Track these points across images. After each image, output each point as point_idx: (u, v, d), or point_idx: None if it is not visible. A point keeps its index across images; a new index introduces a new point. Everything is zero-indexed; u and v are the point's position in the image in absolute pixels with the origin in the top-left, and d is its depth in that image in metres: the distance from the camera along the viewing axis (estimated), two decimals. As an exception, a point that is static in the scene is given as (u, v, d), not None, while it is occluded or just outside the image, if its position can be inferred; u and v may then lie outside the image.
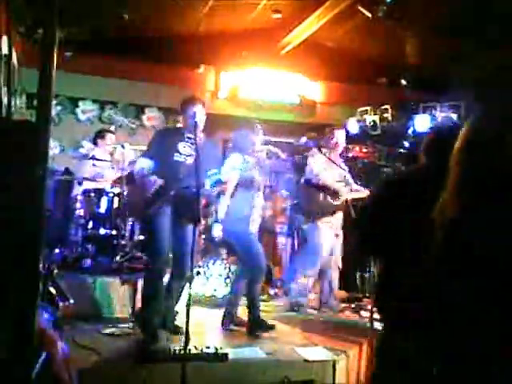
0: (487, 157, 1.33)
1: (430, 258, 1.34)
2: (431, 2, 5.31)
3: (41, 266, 2.71)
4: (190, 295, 2.90)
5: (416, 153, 6.44)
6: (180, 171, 3.68)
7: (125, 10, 5.61)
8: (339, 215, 4.86)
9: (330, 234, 4.79)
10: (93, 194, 4.94)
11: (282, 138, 7.49)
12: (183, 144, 3.77)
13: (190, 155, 3.74)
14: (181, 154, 3.74)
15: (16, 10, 4.60)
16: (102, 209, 4.89)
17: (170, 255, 3.81)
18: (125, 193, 4.86)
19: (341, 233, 4.87)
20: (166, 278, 3.77)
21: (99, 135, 5.55)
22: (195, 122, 3.50)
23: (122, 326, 3.85)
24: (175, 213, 3.64)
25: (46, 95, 2.19)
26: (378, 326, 3.85)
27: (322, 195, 4.80)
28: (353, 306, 5.05)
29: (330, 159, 4.86)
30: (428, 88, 6.68)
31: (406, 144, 6.36)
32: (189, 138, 3.77)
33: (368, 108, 6.53)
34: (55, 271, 3.88)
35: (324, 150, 4.92)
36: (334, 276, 4.93)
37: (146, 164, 3.71)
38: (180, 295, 3.90)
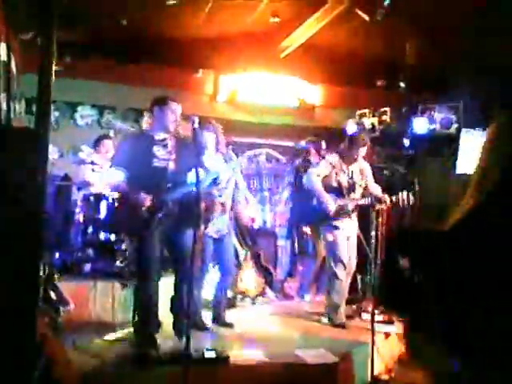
0: None
1: None
2: (429, 3, 5.32)
3: (41, 271, 2.71)
4: (190, 299, 2.90)
5: (414, 155, 6.41)
6: (166, 178, 3.55)
7: (123, 15, 5.62)
8: (349, 220, 4.59)
9: (343, 239, 4.54)
10: (92, 199, 4.94)
11: (281, 141, 7.51)
12: (157, 148, 3.59)
13: (167, 159, 3.59)
14: (159, 158, 3.57)
15: (14, 16, 4.61)
16: (102, 214, 4.89)
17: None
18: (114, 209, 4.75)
19: (354, 235, 4.58)
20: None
21: (96, 142, 5.57)
22: (172, 120, 3.49)
23: (123, 330, 3.85)
24: (173, 219, 3.53)
25: (45, 102, 2.20)
26: (378, 327, 3.86)
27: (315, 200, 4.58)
28: (354, 307, 5.04)
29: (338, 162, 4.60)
30: (426, 89, 6.69)
31: (405, 146, 6.38)
32: (160, 140, 3.62)
33: (366, 110, 6.54)
34: (55, 276, 3.89)
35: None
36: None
37: (120, 176, 3.53)
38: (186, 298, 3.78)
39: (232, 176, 4.30)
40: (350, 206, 4.56)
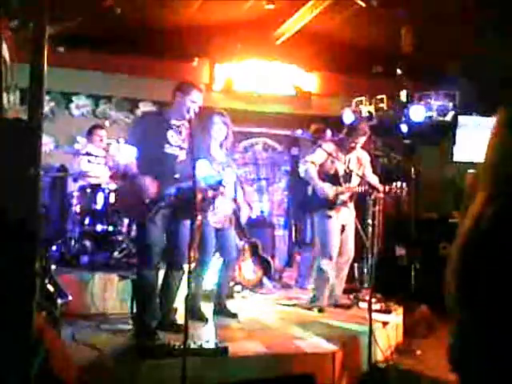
0: None
1: None
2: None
3: (38, 263, 2.69)
4: (188, 290, 2.90)
5: (411, 142, 6.42)
6: (174, 168, 3.51)
7: (117, 3, 5.55)
8: (345, 209, 4.60)
9: (335, 229, 4.55)
10: (89, 190, 4.92)
11: (277, 129, 7.48)
12: (171, 133, 3.57)
13: (179, 146, 3.57)
14: (171, 145, 3.54)
15: (6, 4, 4.54)
16: (99, 205, 4.86)
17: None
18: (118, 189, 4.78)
19: (351, 224, 4.58)
20: (161, 272, 3.71)
21: (89, 132, 5.53)
22: (189, 109, 3.44)
23: (121, 321, 3.85)
24: (171, 207, 3.52)
25: (38, 92, 2.16)
26: (375, 316, 3.86)
27: (310, 188, 4.60)
28: (351, 296, 5.05)
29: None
30: (423, 77, 6.65)
31: (402, 133, 6.35)
32: (176, 126, 3.60)
33: (363, 98, 6.50)
34: (53, 268, 3.87)
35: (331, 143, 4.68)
36: (343, 274, 4.75)
37: (132, 155, 3.48)
38: (177, 290, 3.80)
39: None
40: (346, 195, 4.55)
